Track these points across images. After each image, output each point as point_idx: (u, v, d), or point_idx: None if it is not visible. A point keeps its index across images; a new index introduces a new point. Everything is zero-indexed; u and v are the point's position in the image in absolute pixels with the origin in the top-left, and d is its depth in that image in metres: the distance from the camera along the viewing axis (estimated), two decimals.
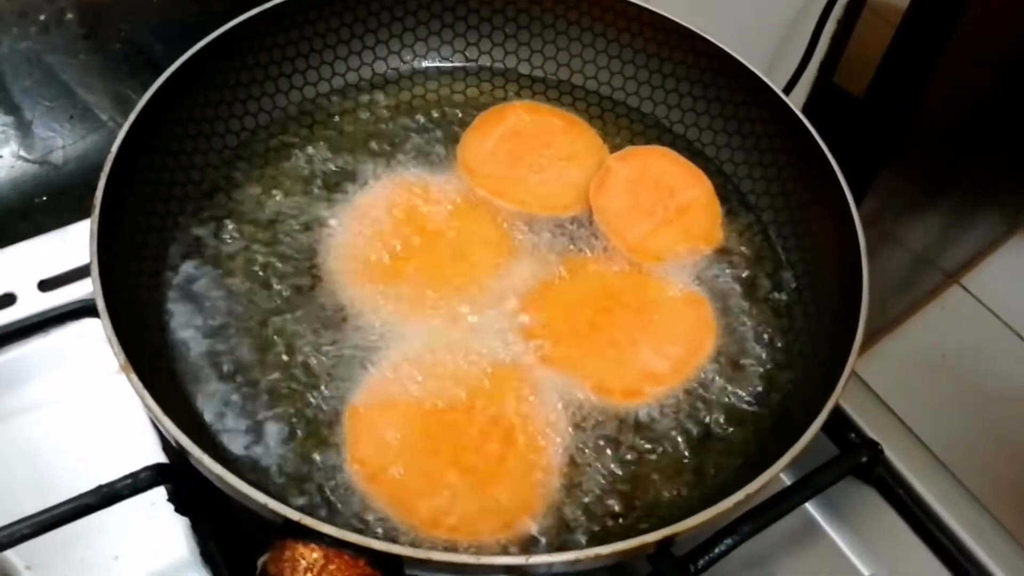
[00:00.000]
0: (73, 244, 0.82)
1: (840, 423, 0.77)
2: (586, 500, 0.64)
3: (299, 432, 0.65)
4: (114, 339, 0.59)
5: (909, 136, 1.67)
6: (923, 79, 1.54)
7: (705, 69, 0.83)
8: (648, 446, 0.67)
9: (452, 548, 0.59)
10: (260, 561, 0.54)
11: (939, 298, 2.26)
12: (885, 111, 1.60)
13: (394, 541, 0.58)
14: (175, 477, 0.68)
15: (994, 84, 1.72)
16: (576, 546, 0.61)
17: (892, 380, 0.85)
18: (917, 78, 1.54)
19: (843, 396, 0.77)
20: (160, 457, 0.71)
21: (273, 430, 0.65)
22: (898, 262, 2.11)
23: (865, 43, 1.57)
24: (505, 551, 0.60)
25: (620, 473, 0.66)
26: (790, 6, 1.42)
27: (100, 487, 0.65)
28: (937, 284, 2.26)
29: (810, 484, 0.71)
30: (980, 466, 0.94)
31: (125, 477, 0.65)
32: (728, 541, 0.67)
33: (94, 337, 0.79)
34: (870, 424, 0.78)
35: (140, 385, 0.57)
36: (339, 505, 0.62)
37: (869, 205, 1.70)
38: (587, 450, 0.66)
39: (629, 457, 0.67)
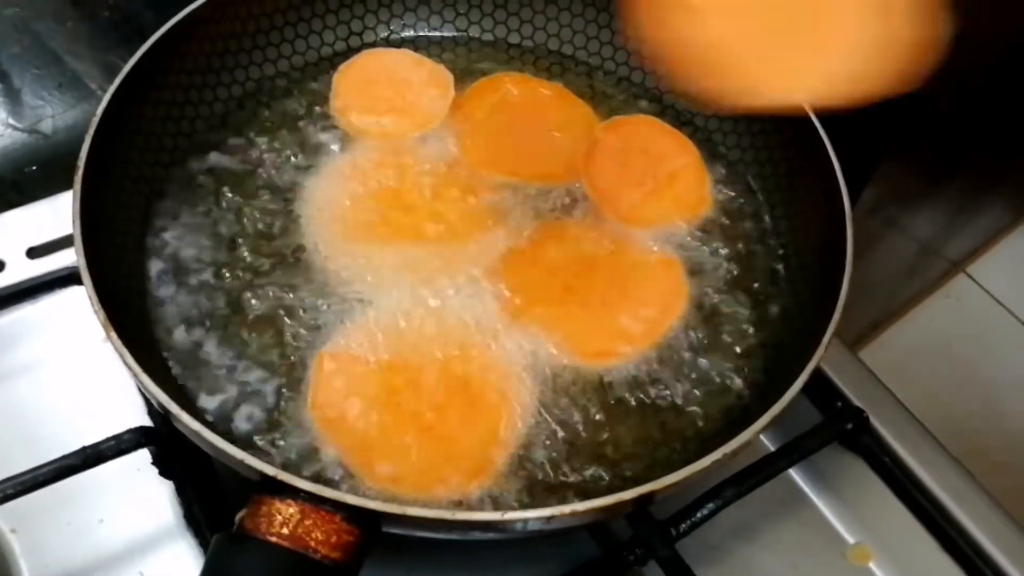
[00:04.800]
0: (62, 213, 0.81)
1: (826, 391, 0.78)
2: (557, 460, 0.64)
3: (274, 390, 0.65)
4: (94, 297, 0.59)
5: (911, 123, 1.67)
6: None
7: None
8: (621, 407, 0.67)
9: (427, 504, 0.59)
10: (237, 517, 0.54)
11: (945, 287, 2.25)
12: (887, 97, 1.59)
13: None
14: (159, 440, 0.68)
15: (998, 70, 1.71)
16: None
17: (899, 367, 0.84)
18: None
19: (830, 366, 0.78)
20: (145, 422, 0.72)
21: (249, 388, 0.66)
22: (903, 250, 2.10)
23: None
24: (477, 508, 0.60)
25: (593, 434, 0.66)
26: None
27: (84, 448, 0.65)
28: (943, 273, 2.25)
29: (795, 450, 0.71)
30: (985, 452, 0.94)
31: (109, 439, 0.66)
32: (710, 505, 0.67)
33: (82, 304, 0.79)
34: (856, 393, 0.77)
35: (120, 343, 0.57)
36: (311, 461, 0.62)
37: (872, 192, 1.70)
38: (558, 410, 0.66)
39: (601, 418, 0.67)
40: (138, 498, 0.71)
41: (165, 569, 0.68)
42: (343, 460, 0.62)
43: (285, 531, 0.52)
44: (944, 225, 2.17)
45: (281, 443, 0.63)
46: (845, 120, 0.73)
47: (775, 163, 0.79)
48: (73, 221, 0.62)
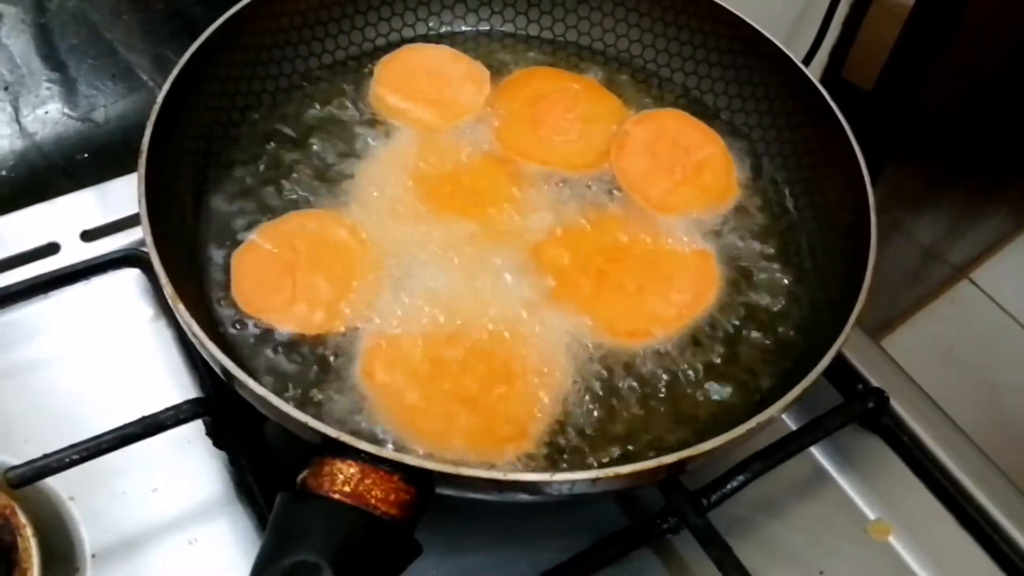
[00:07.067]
0: (114, 198, 0.86)
1: (848, 375, 0.80)
2: (592, 430, 0.67)
3: (325, 358, 0.69)
4: (162, 272, 0.62)
5: (916, 130, 1.70)
6: (930, 73, 1.56)
7: (722, 36, 0.86)
8: (653, 385, 0.70)
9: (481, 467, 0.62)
10: (300, 477, 0.56)
11: (948, 292, 2.27)
12: (892, 105, 1.62)
13: None
14: (214, 411, 0.71)
15: (1000, 78, 1.74)
16: None
17: None
18: (924, 72, 1.57)
19: (852, 351, 0.81)
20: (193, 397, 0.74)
21: (302, 356, 0.69)
22: (907, 255, 2.12)
23: (873, 37, 1.59)
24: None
25: (627, 407, 0.69)
26: None
27: (144, 417, 0.68)
28: (946, 278, 2.27)
29: (819, 427, 0.74)
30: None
31: (168, 409, 0.69)
32: (740, 478, 0.70)
33: (132, 286, 0.83)
34: (876, 376, 0.80)
35: (187, 314, 0.60)
36: (360, 425, 0.65)
37: (876, 197, 1.72)
38: (593, 384, 0.69)
39: (634, 394, 0.70)
40: (190, 469, 0.74)
41: (216, 537, 0.71)
42: (391, 425, 0.65)
43: (347, 489, 0.54)
44: (948, 230, 2.20)
45: (333, 407, 0.66)
46: (849, 123, 0.77)
47: (800, 154, 0.82)
48: (139, 201, 0.65)
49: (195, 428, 0.73)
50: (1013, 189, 2.20)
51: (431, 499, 0.57)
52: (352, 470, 0.55)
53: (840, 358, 0.79)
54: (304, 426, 0.57)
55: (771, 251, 0.79)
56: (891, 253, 1.98)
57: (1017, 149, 1.93)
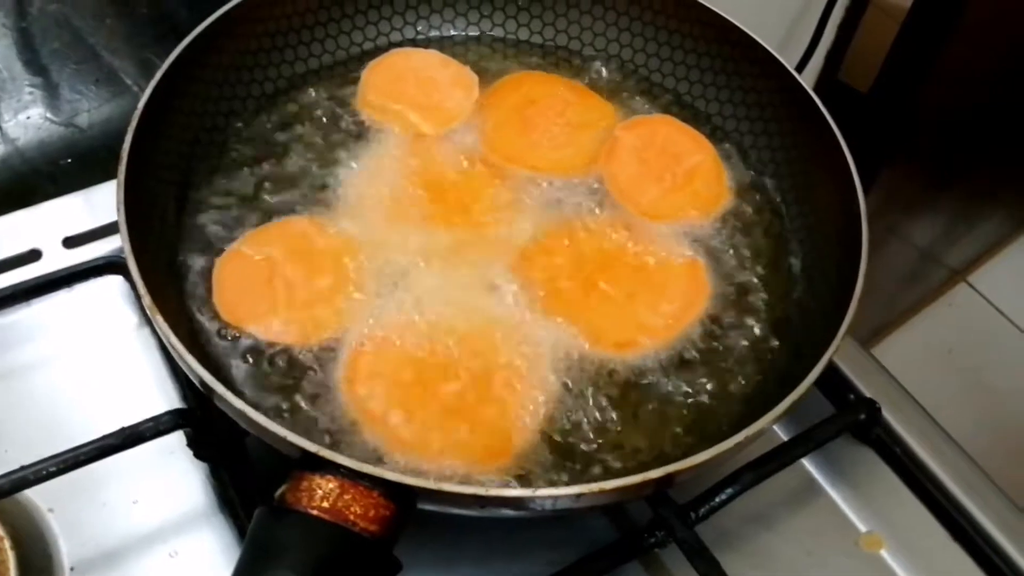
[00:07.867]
0: (97, 204, 0.85)
1: (839, 385, 0.80)
2: (579, 443, 0.66)
3: (306, 368, 0.68)
4: (140, 282, 0.61)
5: (912, 132, 1.69)
6: (927, 75, 1.56)
7: (713, 40, 0.85)
8: (641, 396, 0.69)
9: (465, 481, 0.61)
10: (278, 492, 0.55)
11: (946, 295, 2.27)
12: (889, 107, 1.61)
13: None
14: (195, 422, 0.70)
15: (997, 81, 1.73)
16: None
17: (899, 374, 0.86)
18: (921, 74, 1.56)
19: (843, 360, 0.80)
20: (176, 407, 0.73)
21: (282, 367, 0.68)
22: (904, 258, 2.12)
23: (870, 40, 1.59)
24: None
25: (613, 420, 0.68)
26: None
27: (123, 429, 0.67)
28: (944, 281, 2.27)
29: (810, 439, 0.73)
30: (985, 461, 0.96)
31: (147, 420, 0.68)
32: (729, 490, 0.69)
33: (115, 293, 0.82)
34: (867, 386, 0.80)
35: (166, 326, 0.59)
36: (340, 438, 0.64)
37: (872, 199, 1.72)
38: (580, 396, 0.68)
39: (622, 405, 0.68)
40: (171, 481, 0.73)
41: (196, 549, 0.70)
42: (371, 437, 0.64)
43: (325, 505, 0.54)
44: (945, 233, 2.19)
45: (313, 420, 0.65)
46: (845, 129, 0.76)
47: (791, 161, 0.82)
48: (117, 208, 0.64)
49: (177, 439, 0.72)
50: (1010, 191, 2.20)
51: (412, 515, 0.56)
52: (331, 485, 0.54)
53: (832, 368, 0.78)
54: (282, 440, 0.56)
55: (762, 259, 0.78)
56: (888, 256, 1.98)
57: (1014, 151, 1.93)
